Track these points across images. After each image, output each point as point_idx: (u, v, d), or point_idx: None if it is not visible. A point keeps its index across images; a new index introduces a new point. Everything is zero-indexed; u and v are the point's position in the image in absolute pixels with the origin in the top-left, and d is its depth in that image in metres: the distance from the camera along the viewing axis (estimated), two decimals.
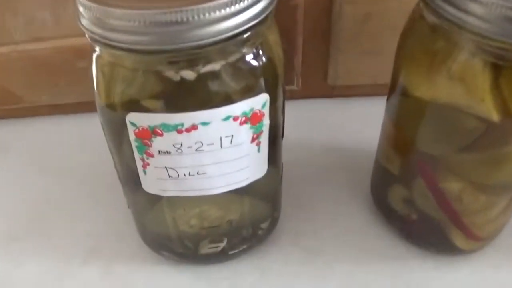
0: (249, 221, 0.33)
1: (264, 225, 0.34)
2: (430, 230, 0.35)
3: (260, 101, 0.27)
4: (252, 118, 0.27)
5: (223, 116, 0.26)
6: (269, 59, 0.27)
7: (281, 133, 0.31)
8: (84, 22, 0.25)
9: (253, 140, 0.28)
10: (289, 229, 0.37)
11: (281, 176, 0.35)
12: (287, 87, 0.46)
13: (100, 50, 0.26)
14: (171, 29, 0.23)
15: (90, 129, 0.46)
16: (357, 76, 0.45)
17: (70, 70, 0.44)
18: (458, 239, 0.34)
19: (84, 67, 0.44)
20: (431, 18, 0.27)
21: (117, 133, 0.29)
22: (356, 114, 0.46)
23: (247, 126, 0.27)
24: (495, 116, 0.27)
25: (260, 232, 0.35)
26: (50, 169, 0.44)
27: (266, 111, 0.27)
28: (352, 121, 0.46)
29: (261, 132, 0.28)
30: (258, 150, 0.29)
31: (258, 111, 0.27)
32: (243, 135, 0.27)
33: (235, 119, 0.26)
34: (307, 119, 0.46)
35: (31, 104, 0.47)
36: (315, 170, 0.42)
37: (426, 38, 0.28)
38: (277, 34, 0.29)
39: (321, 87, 0.47)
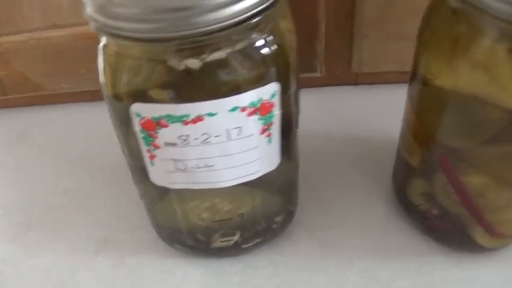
0: (261, 215, 0.32)
1: (279, 219, 0.33)
2: (451, 226, 0.33)
3: (269, 91, 0.25)
4: (262, 109, 0.26)
5: (230, 107, 0.25)
6: (280, 46, 0.26)
7: (295, 124, 0.30)
8: (88, 10, 0.24)
9: (263, 131, 0.27)
10: (307, 223, 0.36)
11: (297, 168, 0.33)
12: (309, 74, 0.44)
13: (106, 39, 0.25)
14: (175, 16, 0.22)
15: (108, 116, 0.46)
16: (383, 62, 0.43)
17: (91, 57, 0.43)
18: (480, 237, 0.32)
19: None
20: (452, 1, 0.25)
21: (124, 124, 0.28)
22: (382, 102, 0.44)
23: (255, 117, 0.26)
24: None
25: (274, 225, 0.33)
26: (68, 158, 0.44)
27: (276, 101, 0.26)
28: (377, 109, 0.44)
29: (271, 123, 0.27)
30: (269, 142, 0.28)
31: (267, 102, 0.26)
32: (252, 127, 0.26)
33: (243, 109, 0.25)
34: (331, 107, 0.44)
35: (52, 91, 0.47)
36: (336, 161, 0.40)
37: (447, 22, 0.27)
38: (290, 20, 0.28)
39: (346, 74, 0.45)
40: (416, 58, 0.30)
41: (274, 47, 0.25)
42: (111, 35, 0.24)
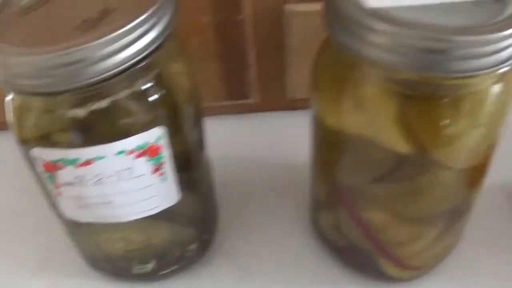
0: (173, 244, 0.34)
1: (193, 247, 0.35)
2: (360, 258, 0.34)
3: (153, 135, 0.27)
4: (149, 151, 0.28)
5: (116, 151, 0.27)
6: (167, 90, 0.27)
7: (197, 160, 0.32)
8: None
9: (154, 171, 0.29)
10: (227, 249, 0.37)
11: (209, 200, 0.35)
12: (242, 101, 0.46)
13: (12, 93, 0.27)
14: (59, 72, 0.24)
15: None
16: None
17: None
18: (389, 268, 0.33)
19: None
20: (336, 46, 0.26)
21: (32, 164, 0.30)
22: None
23: (144, 159, 0.28)
24: (401, 147, 0.26)
25: (188, 254, 0.35)
26: (15, 182, 0.45)
27: (163, 143, 0.28)
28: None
29: (162, 163, 0.29)
30: (163, 180, 0.29)
31: (153, 145, 0.27)
32: (142, 168, 0.28)
33: (130, 153, 0.27)
34: (263, 134, 0.46)
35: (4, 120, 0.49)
36: (263, 188, 0.41)
37: (333, 66, 0.28)
38: (184, 62, 0.29)
39: (283, 100, 0.46)
40: (310, 97, 0.31)
41: (160, 92, 0.27)
42: (13, 90, 0.26)
